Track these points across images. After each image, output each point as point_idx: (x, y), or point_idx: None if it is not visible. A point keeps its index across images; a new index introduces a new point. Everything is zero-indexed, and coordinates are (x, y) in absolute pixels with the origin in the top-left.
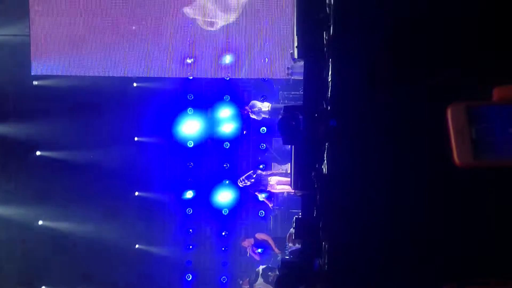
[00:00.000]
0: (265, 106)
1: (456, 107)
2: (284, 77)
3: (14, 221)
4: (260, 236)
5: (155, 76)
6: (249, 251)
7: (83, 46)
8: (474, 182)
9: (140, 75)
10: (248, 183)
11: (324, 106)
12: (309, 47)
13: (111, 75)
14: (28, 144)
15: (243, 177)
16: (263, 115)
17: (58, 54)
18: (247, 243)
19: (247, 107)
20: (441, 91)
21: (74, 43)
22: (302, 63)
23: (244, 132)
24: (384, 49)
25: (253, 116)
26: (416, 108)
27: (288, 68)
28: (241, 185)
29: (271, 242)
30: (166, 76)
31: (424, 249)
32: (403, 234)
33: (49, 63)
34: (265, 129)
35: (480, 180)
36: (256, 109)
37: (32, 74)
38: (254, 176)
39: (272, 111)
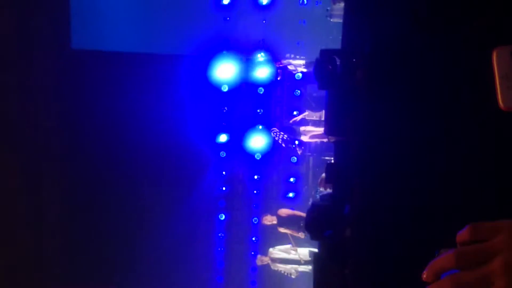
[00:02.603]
0: (301, 62)
1: (501, 51)
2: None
3: None
4: (284, 212)
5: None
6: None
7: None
8: None
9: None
10: (285, 136)
11: (364, 50)
12: None
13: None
14: None
15: (280, 136)
16: (300, 69)
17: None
18: (269, 221)
19: (280, 65)
20: (491, 34)
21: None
22: (342, 4)
23: (279, 78)
24: None
25: (290, 67)
26: (464, 52)
27: (327, 10)
28: (273, 135)
29: (297, 213)
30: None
31: (459, 197)
32: (442, 183)
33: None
34: (300, 75)
35: None
36: (292, 67)
37: (72, 47)
38: (288, 136)
39: (308, 65)
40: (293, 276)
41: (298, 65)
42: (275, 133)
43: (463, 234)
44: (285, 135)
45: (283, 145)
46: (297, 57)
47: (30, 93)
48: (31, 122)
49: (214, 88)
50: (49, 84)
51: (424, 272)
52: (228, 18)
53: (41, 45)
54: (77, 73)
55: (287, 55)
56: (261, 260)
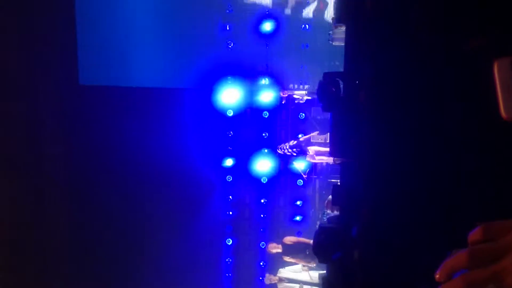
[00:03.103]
0: (304, 92)
1: (502, 62)
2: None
3: None
4: (289, 240)
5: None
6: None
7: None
8: None
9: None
10: (293, 153)
11: (366, 72)
12: (351, 11)
13: (164, 86)
14: None
15: (287, 145)
16: (305, 98)
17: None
18: (274, 250)
19: (284, 95)
20: (490, 52)
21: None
22: (343, 28)
23: (283, 102)
24: (431, 12)
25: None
26: (465, 71)
27: (329, 34)
28: (280, 152)
29: (302, 240)
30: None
31: (468, 216)
32: (447, 201)
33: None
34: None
35: None
36: (296, 97)
37: (80, 83)
38: (297, 149)
39: (311, 93)
40: None
41: (301, 95)
42: (282, 149)
43: (474, 234)
44: (293, 142)
45: (294, 154)
46: (300, 86)
47: (39, 125)
48: (38, 149)
49: (219, 114)
50: (57, 116)
51: (437, 272)
52: (231, 45)
53: (50, 81)
54: (85, 107)
55: (290, 85)
56: (270, 279)
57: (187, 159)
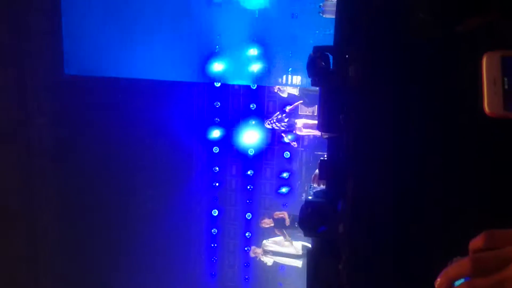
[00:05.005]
0: (294, 90)
1: (491, 56)
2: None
3: None
4: (278, 214)
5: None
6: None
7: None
8: (503, 133)
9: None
10: (281, 127)
11: (357, 46)
12: None
13: (153, 78)
14: None
15: (274, 119)
16: (291, 92)
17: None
18: (267, 224)
19: (276, 89)
20: (483, 33)
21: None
22: (334, 0)
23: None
24: None
25: (282, 95)
26: (457, 49)
27: (319, 6)
28: (269, 127)
29: (285, 217)
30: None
31: (451, 193)
32: (436, 179)
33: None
34: (291, 69)
35: (509, 132)
36: (285, 92)
37: (65, 73)
38: (286, 120)
39: (301, 90)
40: (280, 262)
41: (291, 93)
42: (270, 123)
43: (477, 241)
44: (281, 115)
45: (283, 128)
46: (290, 80)
47: (26, 113)
48: (25, 140)
49: (207, 84)
50: (43, 105)
51: (437, 279)
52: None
53: (35, 70)
54: (70, 96)
55: (279, 80)
56: (254, 251)
57: (173, 131)
